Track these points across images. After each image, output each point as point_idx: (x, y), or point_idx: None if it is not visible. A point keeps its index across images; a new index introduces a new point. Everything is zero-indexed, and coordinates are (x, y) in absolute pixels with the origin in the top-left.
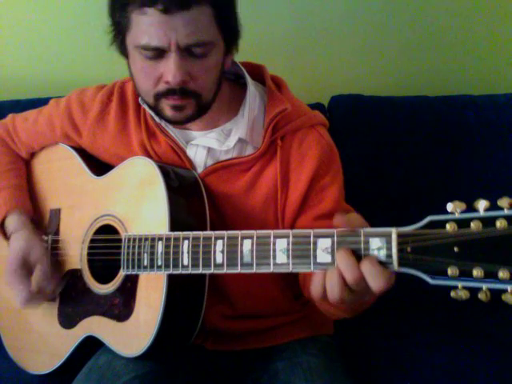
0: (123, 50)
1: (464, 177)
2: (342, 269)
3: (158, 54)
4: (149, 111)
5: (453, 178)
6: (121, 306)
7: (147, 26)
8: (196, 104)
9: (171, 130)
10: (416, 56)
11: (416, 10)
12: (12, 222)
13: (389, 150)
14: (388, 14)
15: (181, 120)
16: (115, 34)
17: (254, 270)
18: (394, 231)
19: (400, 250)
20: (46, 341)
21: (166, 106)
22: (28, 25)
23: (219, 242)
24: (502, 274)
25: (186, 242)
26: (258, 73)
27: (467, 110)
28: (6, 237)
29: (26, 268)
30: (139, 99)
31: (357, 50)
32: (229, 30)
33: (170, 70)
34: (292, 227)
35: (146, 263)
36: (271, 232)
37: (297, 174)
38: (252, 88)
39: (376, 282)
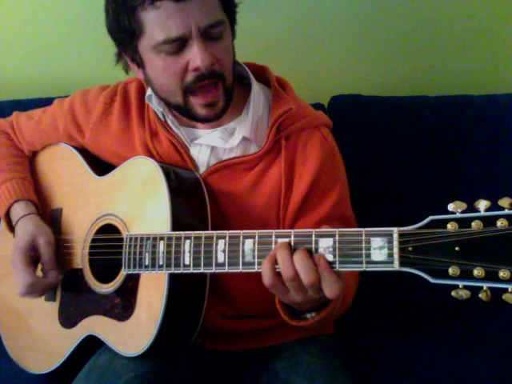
0: (137, 60)
1: (464, 176)
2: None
3: (180, 44)
4: (156, 110)
5: (453, 177)
6: (122, 306)
7: (164, 20)
8: (223, 89)
9: (176, 128)
10: (416, 56)
11: (416, 10)
12: (19, 209)
13: (389, 149)
14: (388, 14)
15: (215, 116)
16: (124, 46)
17: (256, 269)
18: (395, 231)
19: (401, 250)
20: (46, 340)
21: (197, 106)
22: (28, 25)
23: (221, 242)
24: (503, 273)
25: (187, 241)
26: (261, 73)
27: (467, 109)
28: (11, 226)
29: (32, 253)
30: (146, 96)
31: (357, 49)
32: (230, 10)
33: (197, 55)
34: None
35: (147, 263)
36: (273, 231)
37: (299, 175)
38: (256, 87)
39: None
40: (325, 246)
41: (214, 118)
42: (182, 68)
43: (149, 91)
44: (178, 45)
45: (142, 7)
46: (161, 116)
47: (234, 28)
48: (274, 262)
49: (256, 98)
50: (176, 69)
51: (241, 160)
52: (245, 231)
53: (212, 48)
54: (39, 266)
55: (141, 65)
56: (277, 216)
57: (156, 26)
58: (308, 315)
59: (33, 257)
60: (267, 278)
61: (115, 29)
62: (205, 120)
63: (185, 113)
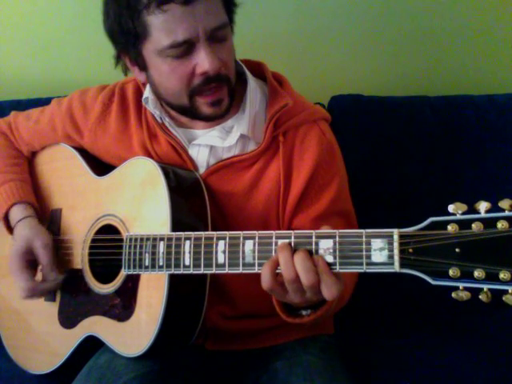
0: (140, 63)
1: (464, 177)
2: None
3: (187, 48)
4: (153, 112)
5: (453, 178)
6: (122, 306)
7: (170, 23)
8: (228, 90)
9: (174, 130)
10: (416, 56)
11: (416, 10)
12: (17, 212)
13: (389, 150)
14: (388, 13)
15: (220, 114)
16: (126, 49)
17: (256, 270)
18: (395, 232)
19: (402, 251)
20: (46, 340)
21: (203, 105)
22: (28, 25)
23: (221, 243)
24: (503, 275)
25: (187, 242)
26: (258, 70)
27: (467, 109)
28: (10, 228)
29: (30, 256)
30: (142, 99)
31: (357, 50)
32: (231, 11)
33: (205, 60)
34: (289, 226)
35: (147, 263)
36: (273, 232)
37: (297, 170)
38: (253, 83)
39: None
40: (325, 247)
41: (219, 116)
42: (189, 72)
43: (145, 93)
44: (185, 48)
45: (147, 11)
46: (158, 118)
47: (232, 28)
48: (275, 265)
49: (252, 95)
50: (183, 72)
51: (240, 158)
52: (245, 232)
53: (218, 51)
54: (39, 269)
55: (144, 68)
56: (277, 213)
57: (162, 29)
58: (304, 312)
59: (31, 261)
60: (265, 281)
61: (117, 31)
62: (210, 118)
63: (189, 113)
